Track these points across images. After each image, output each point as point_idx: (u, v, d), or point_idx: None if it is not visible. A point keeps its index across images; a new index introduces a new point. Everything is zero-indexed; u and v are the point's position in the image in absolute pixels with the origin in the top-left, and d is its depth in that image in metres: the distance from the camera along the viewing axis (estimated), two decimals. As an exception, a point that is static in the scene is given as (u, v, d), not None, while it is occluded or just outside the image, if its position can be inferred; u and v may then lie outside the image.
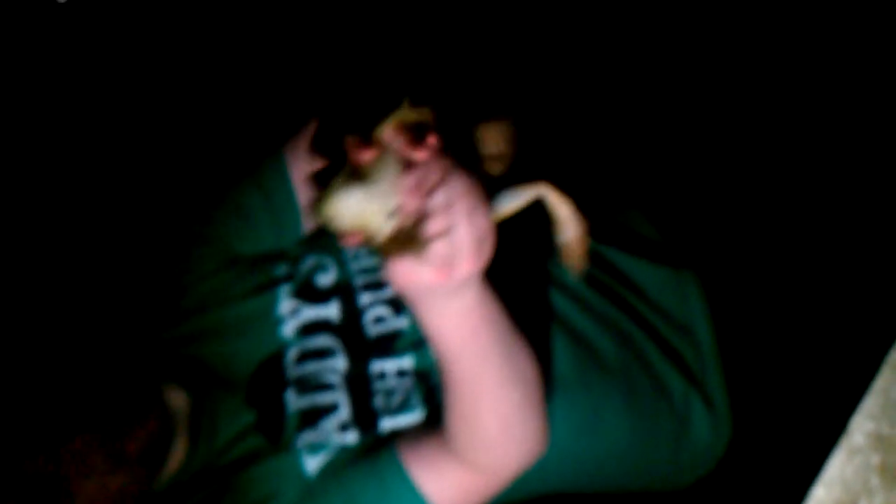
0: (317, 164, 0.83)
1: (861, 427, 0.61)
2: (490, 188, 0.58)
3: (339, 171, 0.54)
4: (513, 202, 0.60)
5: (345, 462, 0.74)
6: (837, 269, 1.05)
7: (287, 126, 0.90)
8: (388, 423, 0.78)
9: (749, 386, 0.94)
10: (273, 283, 0.86)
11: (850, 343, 0.93)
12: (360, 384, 0.80)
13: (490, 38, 1.34)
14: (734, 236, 1.07)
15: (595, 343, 0.86)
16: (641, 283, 0.93)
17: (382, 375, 0.80)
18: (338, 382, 0.80)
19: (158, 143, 1.33)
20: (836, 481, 0.58)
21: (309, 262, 0.87)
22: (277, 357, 0.82)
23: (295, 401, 0.79)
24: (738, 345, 0.94)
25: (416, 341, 0.81)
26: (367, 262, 0.88)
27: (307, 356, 0.82)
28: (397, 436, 0.75)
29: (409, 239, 0.53)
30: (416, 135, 0.53)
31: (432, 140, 0.53)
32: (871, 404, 0.61)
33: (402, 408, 0.78)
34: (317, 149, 0.83)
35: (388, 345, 0.82)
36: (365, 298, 0.85)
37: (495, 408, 0.64)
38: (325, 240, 0.89)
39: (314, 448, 0.76)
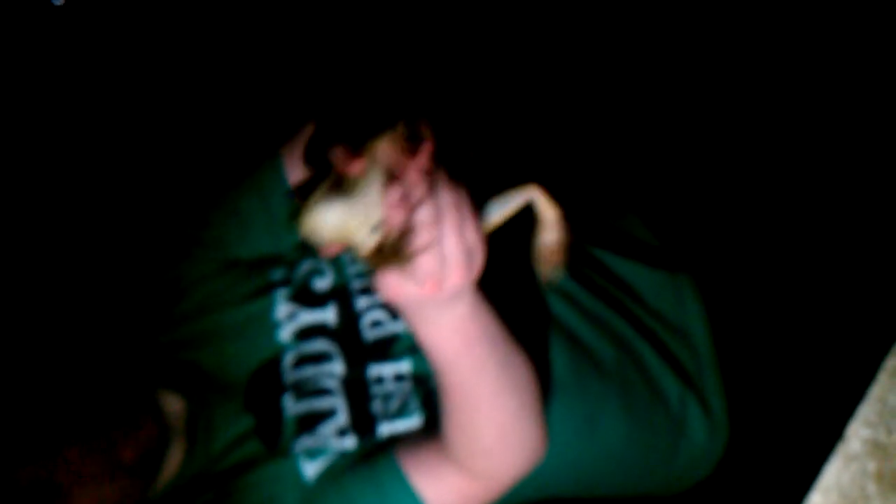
0: (305, 173, 0.83)
1: (858, 434, 0.61)
2: (480, 195, 0.57)
3: (322, 182, 0.54)
4: (503, 210, 0.59)
5: (343, 467, 0.74)
6: (834, 276, 1.05)
7: (285, 129, 0.90)
8: (386, 428, 0.77)
9: (746, 391, 0.94)
10: (270, 287, 0.86)
11: (847, 349, 0.93)
12: (357, 389, 0.79)
13: (488, 46, 1.34)
14: (731, 241, 1.07)
15: (592, 347, 0.86)
16: (638, 286, 0.93)
17: (380, 380, 0.80)
18: (335, 387, 0.79)
19: (156, 146, 1.33)
20: (832, 488, 0.58)
21: (306, 266, 0.87)
22: (274, 361, 0.82)
23: (292, 406, 0.79)
24: (735, 350, 0.95)
25: (414, 345, 0.81)
26: (364, 266, 0.87)
27: (304, 360, 0.81)
28: (396, 441, 0.75)
29: (394, 252, 0.52)
30: (409, 148, 0.53)
31: (425, 154, 0.53)
32: (867, 411, 0.61)
33: (401, 412, 0.78)
34: (306, 157, 0.82)
35: (386, 349, 0.82)
36: (362, 302, 0.84)
37: (492, 416, 0.64)
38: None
39: (312, 453, 0.75)
